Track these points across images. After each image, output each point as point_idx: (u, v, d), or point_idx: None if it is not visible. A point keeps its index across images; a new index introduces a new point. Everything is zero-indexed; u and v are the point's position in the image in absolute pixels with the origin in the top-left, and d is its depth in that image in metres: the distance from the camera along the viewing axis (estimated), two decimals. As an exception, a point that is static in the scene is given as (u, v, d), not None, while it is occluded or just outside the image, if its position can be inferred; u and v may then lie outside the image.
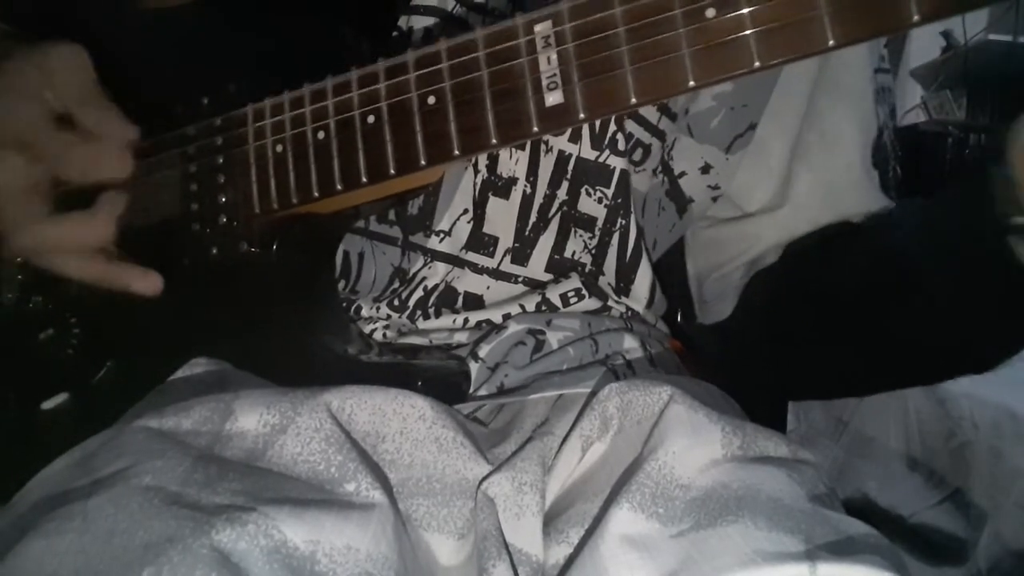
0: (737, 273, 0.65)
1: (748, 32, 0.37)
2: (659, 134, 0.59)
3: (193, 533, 0.34)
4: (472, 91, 0.43)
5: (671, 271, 0.70)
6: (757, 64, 0.37)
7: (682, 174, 0.62)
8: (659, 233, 0.65)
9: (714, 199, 0.63)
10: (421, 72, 0.44)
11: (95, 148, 0.49)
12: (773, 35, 0.37)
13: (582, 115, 0.41)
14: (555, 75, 0.41)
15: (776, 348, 0.63)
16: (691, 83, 0.38)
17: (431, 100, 0.44)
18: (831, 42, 0.36)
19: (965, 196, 0.46)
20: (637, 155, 0.59)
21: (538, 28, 0.41)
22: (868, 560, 0.34)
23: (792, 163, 0.61)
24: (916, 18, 0.34)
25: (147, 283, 0.50)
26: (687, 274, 0.71)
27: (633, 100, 0.40)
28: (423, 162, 0.45)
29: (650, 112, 0.58)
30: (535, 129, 0.42)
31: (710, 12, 0.38)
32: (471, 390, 0.55)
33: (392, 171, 0.45)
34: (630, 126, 0.58)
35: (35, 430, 0.53)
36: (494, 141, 0.43)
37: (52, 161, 0.48)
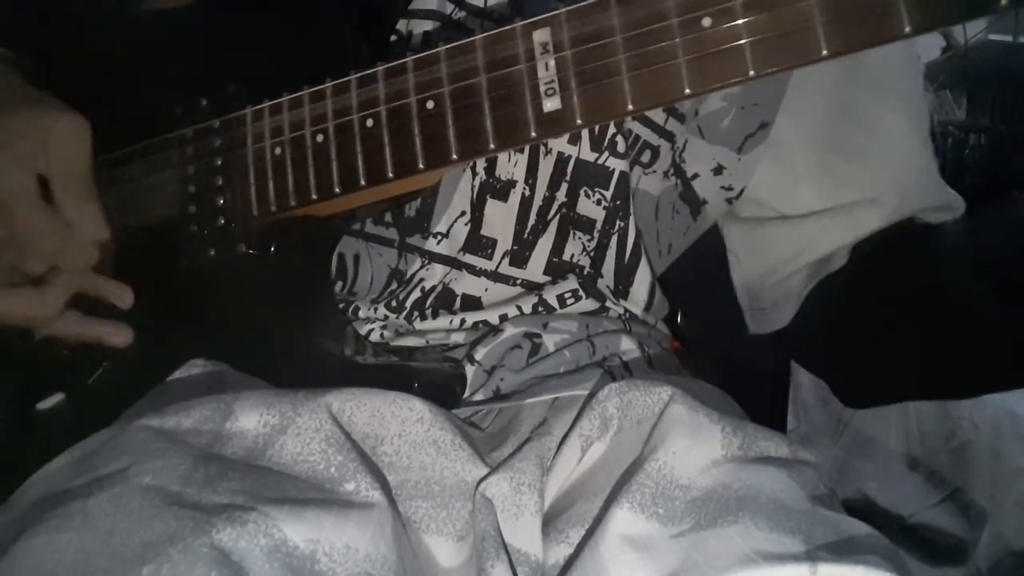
0: (797, 278, 0.63)
1: (743, 41, 0.38)
2: (667, 135, 0.59)
3: (193, 532, 0.34)
4: (471, 96, 0.43)
5: (691, 276, 0.69)
6: (752, 73, 0.38)
7: (695, 176, 0.62)
8: (673, 236, 0.65)
9: (728, 200, 0.63)
10: (420, 76, 0.44)
11: (63, 238, 0.48)
12: (768, 45, 0.37)
13: (579, 121, 0.41)
14: (553, 81, 0.41)
15: (852, 353, 0.61)
16: (687, 91, 0.39)
17: (430, 104, 0.44)
18: (825, 52, 0.36)
19: None
20: (645, 157, 0.59)
21: (536, 34, 0.42)
22: (868, 560, 0.34)
23: (837, 163, 0.59)
24: (908, 29, 0.35)
25: (119, 337, 0.51)
26: (728, 281, 0.69)
27: (630, 107, 0.40)
28: (421, 166, 0.45)
29: (657, 114, 0.58)
30: (533, 135, 0.42)
31: (706, 21, 0.38)
32: (467, 394, 0.55)
33: (390, 175, 0.46)
34: (636, 128, 0.58)
35: (31, 430, 0.53)
36: (492, 146, 0.43)
37: (21, 233, 0.47)
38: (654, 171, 0.60)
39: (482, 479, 0.45)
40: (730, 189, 0.62)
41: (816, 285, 0.62)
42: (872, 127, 0.59)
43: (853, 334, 0.60)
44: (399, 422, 0.47)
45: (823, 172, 0.60)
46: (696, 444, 0.42)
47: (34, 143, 0.46)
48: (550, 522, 0.44)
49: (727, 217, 0.67)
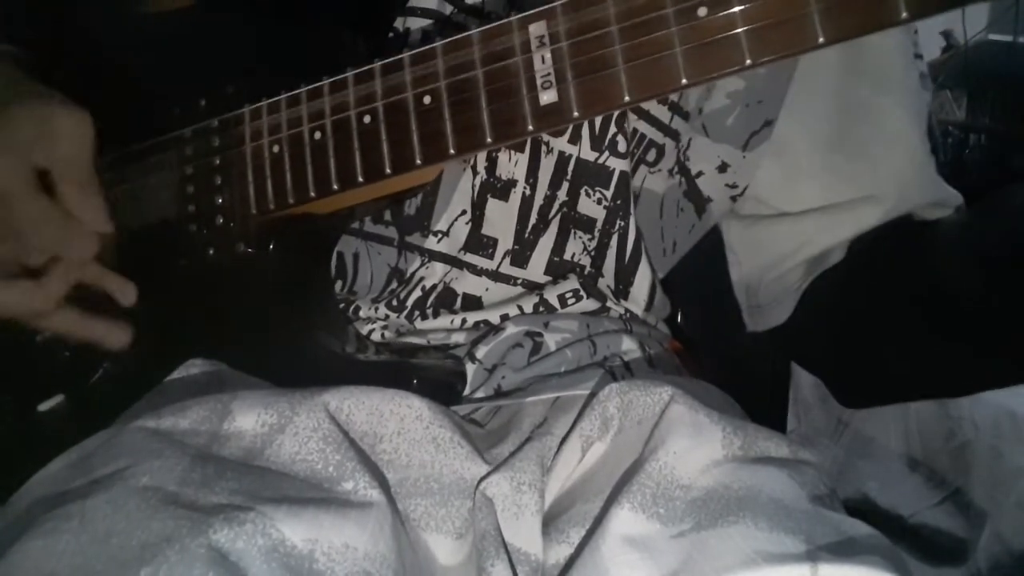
0: (794, 275, 0.62)
1: (739, 30, 0.38)
2: (672, 134, 0.59)
3: (190, 533, 0.34)
4: (467, 90, 0.43)
5: (693, 275, 0.69)
6: (748, 62, 0.38)
7: (699, 174, 0.61)
8: (678, 235, 0.65)
9: (733, 198, 0.62)
10: (417, 71, 0.44)
11: (64, 228, 0.47)
12: (764, 33, 0.37)
13: (576, 113, 0.41)
14: (549, 74, 0.41)
15: (848, 350, 0.61)
16: (684, 81, 0.39)
17: (427, 99, 0.44)
18: (821, 39, 0.36)
19: None
20: (650, 156, 0.59)
21: (532, 27, 0.42)
22: (869, 561, 0.34)
23: (840, 161, 0.59)
24: (905, 15, 0.35)
25: (116, 337, 0.51)
26: (729, 280, 0.68)
27: (627, 98, 0.40)
28: (419, 161, 0.45)
29: (662, 112, 0.58)
30: (530, 128, 0.42)
31: (702, 11, 0.38)
32: (468, 391, 0.54)
33: (388, 170, 0.46)
34: (641, 127, 0.58)
35: (31, 432, 0.53)
36: (489, 140, 0.43)
37: (19, 225, 0.46)
38: (659, 169, 0.60)
39: (483, 478, 0.45)
40: (735, 187, 0.61)
41: (813, 281, 0.62)
42: (875, 124, 0.58)
43: (849, 331, 0.60)
44: (398, 420, 0.47)
45: (826, 170, 0.59)
46: (697, 444, 0.42)
47: (34, 134, 0.46)
48: (551, 522, 0.44)
49: (727, 215, 0.66)
